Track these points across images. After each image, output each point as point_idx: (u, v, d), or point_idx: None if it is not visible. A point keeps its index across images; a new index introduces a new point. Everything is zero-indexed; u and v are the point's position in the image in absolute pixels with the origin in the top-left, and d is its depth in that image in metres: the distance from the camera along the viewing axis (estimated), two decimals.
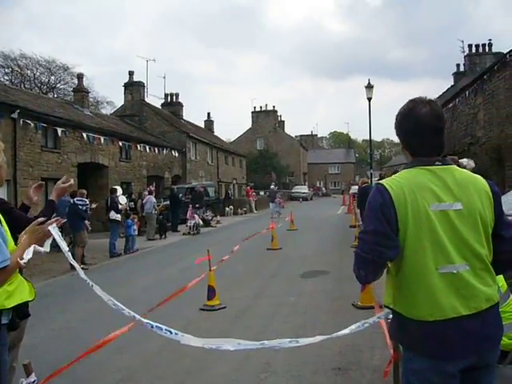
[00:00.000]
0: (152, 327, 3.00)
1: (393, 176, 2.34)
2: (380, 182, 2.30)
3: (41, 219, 2.85)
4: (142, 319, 3.04)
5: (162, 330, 3.01)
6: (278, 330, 6.41)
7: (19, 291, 2.75)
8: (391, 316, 2.40)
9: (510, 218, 7.58)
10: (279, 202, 30.44)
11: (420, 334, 2.16)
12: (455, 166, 2.34)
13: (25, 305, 2.88)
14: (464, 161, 7.45)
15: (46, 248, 2.90)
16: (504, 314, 3.36)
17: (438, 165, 2.27)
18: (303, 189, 57.32)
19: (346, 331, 3.03)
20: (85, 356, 4.01)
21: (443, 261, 2.14)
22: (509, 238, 2.33)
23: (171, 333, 2.97)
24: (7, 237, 2.74)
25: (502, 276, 3.48)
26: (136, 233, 16.14)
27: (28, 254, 2.75)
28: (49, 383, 4.31)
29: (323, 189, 71.71)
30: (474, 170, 7.36)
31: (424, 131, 2.28)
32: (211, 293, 7.75)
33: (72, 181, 3.60)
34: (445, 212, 2.17)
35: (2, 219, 2.73)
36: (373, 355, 5.35)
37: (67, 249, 3.16)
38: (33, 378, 2.60)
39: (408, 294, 2.19)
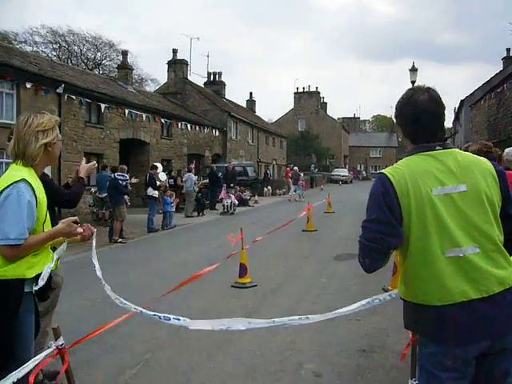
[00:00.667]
0: (160, 318, 3.08)
1: (394, 164, 2.35)
2: (382, 171, 2.31)
3: (74, 218, 2.94)
4: (149, 312, 3.13)
5: (169, 319, 3.08)
6: (306, 310, 6.46)
7: (42, 263, 2.82)
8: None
9: None
10: (302, 184, 29.73)
11: (430, 320, 2.17)
12: (457, 149, 2.33)
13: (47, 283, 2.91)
14: (508, 149, 7.26)
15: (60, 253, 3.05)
16: None
17: (438, 149, 2.27)
18: (343, 172, 56.86)
19: (355, 306, 3.07)
20: (115, 325, 4.15)
21: (449, 245, 2.14)
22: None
23: (179, 320, 3.05)
24: (40, 214, 2.81)
25: None
26: (174, 209, 16.36)
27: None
28: (79, 348, 4.51)
29: (363, 172, 70.95)
30: None
31: (423, 117, 2.29)
32: (243, 270, 7.86)
33: (95, 162, 3.68)
34: (449, 195, 2.17)
35: (40, 197, 2.79)
36: (399, 339, 5.33)
37: (98, 269, 3.30)
38: (61, 341, 2.73)
39: (415, 281, 2.21)
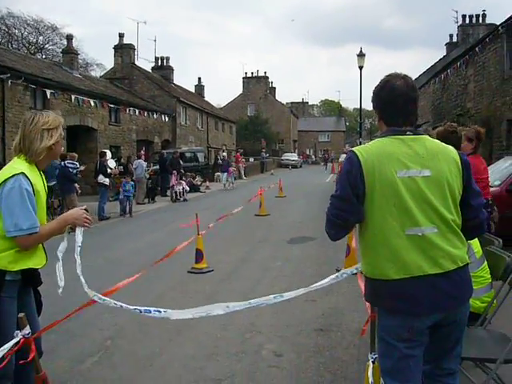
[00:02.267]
0: (140, 312, 3.11)
1: (366, 144, 2.49)
2: (352, 149, 2.45)
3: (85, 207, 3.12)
4: (129, 307, 3.15)
5: (150, 312, 3.11)
6: (264, 293, 6.51)
7: (27, 258, 2.85)
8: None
9: (496, 188, 7.75)
10: (232, 171, 27.93)
11: (388, 293, 2.33)
12: (427, 136, 2.48)
13: (33, 272, 2.98)
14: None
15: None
16: (478, 279, 3.53)
17: (409, 134, 2.41)
18: (293, 156, 57.31)
19: (325, 281, 3.21)
20: (76, 313, 4.13)
21: (410, 224, 2.29)
22: (476, 206, 2.49)
23: (160, 312, 3.08)
24: (41, 204, 2.94)
25: (477, 242, 3.63)
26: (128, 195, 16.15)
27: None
28: (41, 337, 4.47)
29: (313, 156, 71.79)
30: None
31: (399, 100, 2.43)
32: (199, 256, 7.91)
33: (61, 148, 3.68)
34: (412, 178, 2.31)
35: (37, 187, 2.89)
36: (354, 318, 5.54)
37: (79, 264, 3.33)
38: (27, 330, 2.72)
39: (374, 255, 2.37)
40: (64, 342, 5.02)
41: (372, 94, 2.59)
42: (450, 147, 2.51)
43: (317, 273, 7.68)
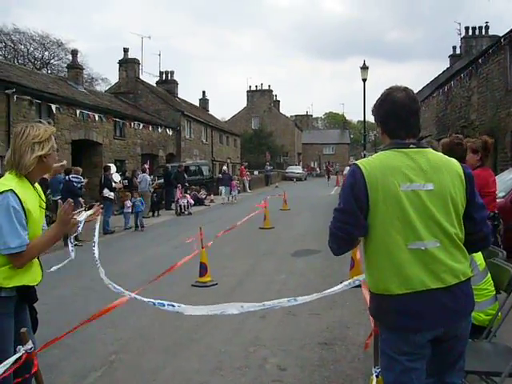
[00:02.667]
0: (154, 304, 3.12)
1: (369, 157, 2.48)
2: (355, 162, 2.44)
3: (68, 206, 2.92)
4: (144, 299, 3.16)
5: (164, 305, 3.12)
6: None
7: (22, 274, 2.83)
8: None
9: (501, 199, 7.67)
10: (234, 185, 27.22)
11: (389, 309, 2.31)
12: (430, 149, 2.46)
13: (29, 289, 2.95)
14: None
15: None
16: (481, 292, 3.51)
17: (412, 147, 2.40)
18: (297, 169, 57.32)
19: (338, 287, 3.20)
20: (79, 328, 4.13)
21: (412, 238, 2.28)
22: (479, 219, 2.47)
23: (174, 306, 3.09)
24: (33, 219, 2.86)
25: (481, 255, 3.62)
26: (130, 210, 16.15)
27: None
28: (44, 353, 4.46)
29: (317, 169, 71.79)
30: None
31: (401, 112, 2.43)
32: (203, 269, 7.89)
33: (65, 162, 3.66)
34: (416, 192, 2.30)
35: (27, 203, 2.83)
36: (358, 331, 5.51)
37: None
38: (30, 345, 2.72)
39: (377, 269, 2.35)
40: (67, 356, 5.01)
41: (373, 108, 2.60)
42: (454, 160, 2.50)
43: (321, 286, 7.63)
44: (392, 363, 2.35)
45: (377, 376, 3.09)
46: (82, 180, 13.46)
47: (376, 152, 2.68)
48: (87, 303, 6.71)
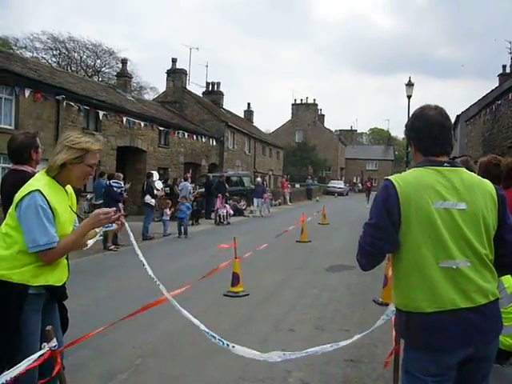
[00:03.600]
0: (214, 338, 3.17)
1: (402, 173, 2.48)
2: (388, 177, 2.42)
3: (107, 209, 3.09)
4: (201, 325, 3.20)
5: (215, 338, 3.17)
6: (298, 320, 6.55)
7: (48, 272, 2.93)
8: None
9: None
10: (266, 197, 26.27)
11: (419, 326, 2.27)
12: (464, 169, 2.44)
13: (58, 287, 3.04)
14: None
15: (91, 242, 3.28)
16: (509, 315, 3.43)
17: (446, 166, 2.39)
18: (339, 184, 57.02)
19: (379, 322, 3.17)
20: (110, 330, 4.21)
21: (444, 256, 2.25)
22: (511, 242, 2.42)
23: (223, 343, 3.15)
24: (61, 220, 2.96)
25: (509, 278, 3.53)
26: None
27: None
28: (70, 352, 4.58)
29: (359, 185, 71.13)
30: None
31: (434, 130, 2.44)
32: (235, 280, 7.94)
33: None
34: (448, 210, 2.28)
35: (54, 204, 2.92)
36: (387, 350, 5.37)
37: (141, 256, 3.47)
38: (54, 342, 2.80)
39: (407, 287, 2.31)
40: (95, 357, 5.12)
41: (405, 127, 2.61)
42: (487, 181, 2.48)
43: (352, 302, 7.59)
44: (416, 383, 2.31)
45: None
46: (123, 186, 13.74)
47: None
48: (122, 305, 6.83)
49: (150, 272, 3.38)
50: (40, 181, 2.95)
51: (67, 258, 3.12)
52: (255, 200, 25.82)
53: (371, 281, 8.65)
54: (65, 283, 3.11)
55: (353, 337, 5.89)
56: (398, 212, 2.28)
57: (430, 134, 2.44)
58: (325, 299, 7.80)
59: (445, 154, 2.44)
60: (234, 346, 3.08)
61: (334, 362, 5.12)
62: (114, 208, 3.19)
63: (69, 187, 3.17)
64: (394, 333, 3.34)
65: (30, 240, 2.82)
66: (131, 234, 3.36)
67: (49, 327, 2.82)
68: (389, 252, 2.39)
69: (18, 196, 2.89)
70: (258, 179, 28.30)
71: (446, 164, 2.40)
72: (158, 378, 4.67)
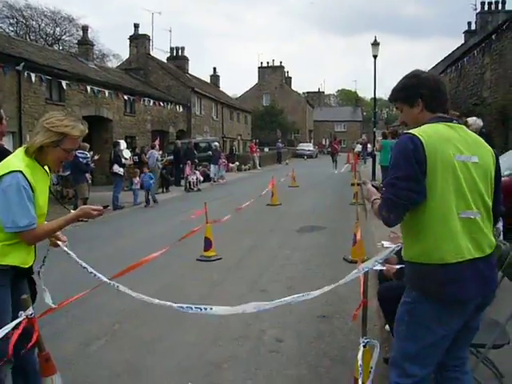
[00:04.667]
0: (183, 308, 3.20)
1: (418, 128, 2.49)
2: (407, 131, 2.47)
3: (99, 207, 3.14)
4: (174, 305, 3.23)
5: (191, 309, 3.21)
6: (271, 281, 6.70)
7: (16, 253, 2.92)
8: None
9: (506, 178, 7.64)
10: (221, 163, 24.88)
11: (441, 278, 2.34)
12: (464, 126, 2.58)
13: (23, 268, 3.03)
14: (472, 119, 7.58)
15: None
16: None
17: (455, 122, 2.51)
18: (308, 146, 57.21)
19: (350, 275, 3.25)
20: (85, 298, 4.24)
21: (464, 206, 2.35)
22: (500, 199, 2.61)
23: (201, 309, 3.19)
24: (39, 200, 2.96)
25: None
26: (138, 186, 16.31)
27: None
28: (48, 321, 4.63)
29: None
30: (481, 129, 7.52)
31: (442, 86, 2.59)
32: (207, 244, 8.03)
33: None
34: (465, 163, 2.39)
35: (37, 183, 2.92)
36: (357, 305, 5.60)
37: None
38: (30, 310, 2.85)
39: (432, 238, 2.36)
40: (73, 326, 5.19)
41: (406, 86, 2.63)
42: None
43: (323, 261, 7.76)
44: (423, 334, 2.41)
45: (364, 346, 3.20)
46: (88, 156, 13.53)
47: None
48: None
49: (80, 262, 3.43)
50: (22, 161, 2.89)
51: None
52: (212, 166, 24.34)
53: (341, 240, 8.86)
54: (31, 266, 3.10)
55: (323, 294, 6.09)
56: (426, 163, 2.33)
57: (441, 93, 2.56)
58: (296, 259, 7.96)
59: (447, 112, 2.57)
60: (211, 308, 3.15)
61: (307, 319, 5.29)
62: (103, 206, 3.20)
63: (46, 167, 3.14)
64: (362, 288, 3.47)
65: (8, 220, 2.79)
66: (63, 245, 3.36)
67: (24, 296, 2.85)
68: (419, 203, 2.36)
69: None
70: (216, 143, 26.39)
71: (454, 121, 2.52)
72: (135, 341, 4.76)
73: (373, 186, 2.81)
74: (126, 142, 21.76)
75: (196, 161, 22.55)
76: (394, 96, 2.73)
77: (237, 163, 33.40)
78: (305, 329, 5.01)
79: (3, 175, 2.80)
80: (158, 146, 20.45)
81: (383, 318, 4.62)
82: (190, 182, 20.59)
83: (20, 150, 2.99)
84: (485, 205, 2.42)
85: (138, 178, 16.19)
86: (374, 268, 4.00)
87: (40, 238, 2.97)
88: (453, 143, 2.39)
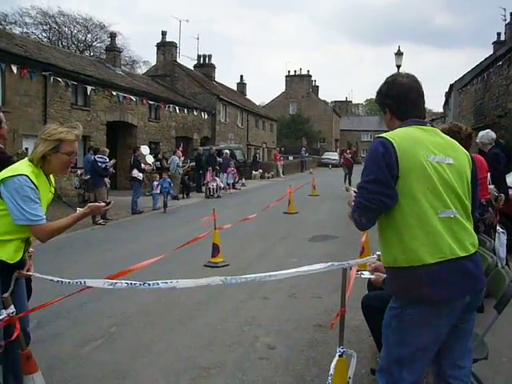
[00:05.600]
0: (149, 285, 3.27)
1: (391, 132, 2.53)
2: (380, 135, 2.49)
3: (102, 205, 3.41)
4: (121, 282, 3.30)
5: (158, 284, 3.28)
6: (273, 288, 6.71)
7: (5, 248, 3.06)
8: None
9: None
10: (229, 172, 24.07)
11: (421, 279, 2.32)
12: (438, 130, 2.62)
13: (10, 264, 3.14)
14: (482, 132, 7.53)
15: None
16: None
17: (428, 125, 2.56)
18: (333, 155, 56.86)
19: (316, 266, 3.27)
20: (86, 300, 4.34)
21: (442, 206, 2.36)
22: (477, 204, 2.64)
23: (166, 283, 3.25)
24: (42, 203, 3.15)
25: None
26: (158, 191, 16.48)
27: None
28: (48, 322, 4.77)
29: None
30: (497, 140, 7.48)
31: (411, 95, 2.58)
32: (215, 250, 8.09)
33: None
34: (440, 164, 2.41)
35: (40, 186, 3.12)
36: (355, 315, 5.57)
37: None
38: (12, 309, 2.95)
39: (408, 240, 2.35)
40: (72, 327, 5.29)
41: (378, 95, 2.71)
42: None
43: (329, 271, 7.70)
44: (412, 338, 2.38)
45: (340, 355, 3.21)
46: (107, 160, 13.74)
47: None
48: (101, 278, 6.98)
49: (51, 278, 3.51)
50: (28, 168, 3.09)
51: (28, 242, 3.24)
52: (220, 175, 23.00)
53: (352, 250, 8.82)
54: (20, 262, 3.19)
55: (324, 303, 6.10)
56: (397, 166, 2.34)
57: (407, 100, 2.57)
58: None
59: (422, 117, 2.59)
60: (177, 281, 3.21)
61: (303, 327, 5.30)
62: (107, 201, 3.46)
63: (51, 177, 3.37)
64: (341, 296, 3.48)
65: (19, 214, 2.97)
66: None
67: (5, 295, 2.96)
68: (390, 207, 2.38)
69: (2, 175, 3.02)
70: (226, 151, 25.23)
71: (428, 124, 2.56)
72: (130, 344, 4.83)
73: (355, 192, 2.84)
74: (149, 147, 22.00)
75: (217, 168, 22.65)
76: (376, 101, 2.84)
77: (260, 171, 33.51)
78: (299, 337, 5.02)
79: (12, 176, 2.99)
80: (180, 152, 20.66)
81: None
82: (209, 189, 20.72)
83: (25, 160, 3.21)
84: (463, 205, 2.43)
85: (156, 183, 16.37)
86: (363, 277, 4.03)
87: (51, 234, 3.14)
88: (425, 145, 2.41)
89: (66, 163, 3.24)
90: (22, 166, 3.10)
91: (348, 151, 27.31)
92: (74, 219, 3.23)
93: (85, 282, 3.31)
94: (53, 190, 3.36)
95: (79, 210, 3.28)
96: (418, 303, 2.35)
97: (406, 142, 2.38)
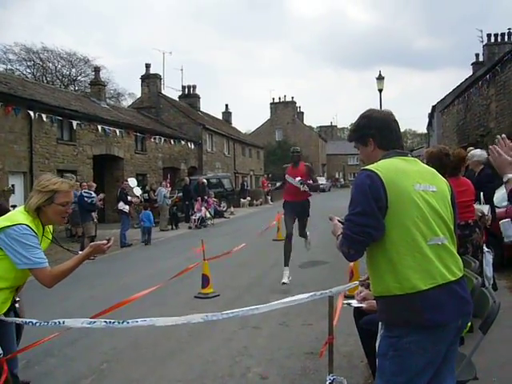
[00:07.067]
0: (128, 323, 3.28)
1: (376, 163, 2.55)
2: (364, 167, 2.53)
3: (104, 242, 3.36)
4: (102, 321, 3.31)
5: (137, 322, 3.29)
6: (264, 317, 6.67)
7: None
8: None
9: (502, 209, 7.57)
10: (212, 202, 23.05)
11: (417, 306, 2.34)
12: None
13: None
14: (474, 151, 7.64)
15: None
16: None
17: (409, 156, 2.65)
18: (321, 180, 57.14)
19: (303, 296, 3.28)
20: (77, 337, 4.29)
21: (431, 234, 2.41)
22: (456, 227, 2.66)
23: (145, 320, 3.26)
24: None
25: None
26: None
27: None
28: (38, 361, 4.71)
29: (341, 180, 71.56)
30: (488, 160, 7.59)
31: (392, 126, 2.68)
32: (205, 281, 8.07)
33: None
34: (425, 192, 2.48)
35: (39, 231, 3.18)
36: (346, 342, 5.58)
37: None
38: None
39: (401, 269, 2.37)
40: (62, 365, 5.22)
41: (356, 130, 2.76)
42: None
43: (321, 298, 7.72)
44: (410, 365, 2.38)
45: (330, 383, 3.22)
46: (93, 195, 13.65)
47: None
48: (91, 314, 6.93)
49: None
50: (26, 218, 3.13)
51: (18, 290, 3.26)
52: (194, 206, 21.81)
53: (341, 275, 8.80)
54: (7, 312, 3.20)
55: (315, 330, 6.08)
56: (386, 197, 2.38)
57: (390, 131, 2.65)
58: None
59: (402, 147, 2.68)
60: (157, 319, 3.23)
61: (295, 355, 5.28)
62: (106, 240, 3.38)
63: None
64: (328, 324, 3.49)
65: (22, 259, 3.01)
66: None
67: None
68: (377, 238, 2.41)
69: (2, 224, 3.05)
70: (204, 180, 23.57)
71: (409, 155, 2.65)
72: (121, 381, 4.79)
73: (339, 221, 2.86)
74: (137, 179, 22.01)
75: (205, 198, 22.57)
76: (350, 137, 2.85)
77: (248, 198, 33.57)
78: (291, 365, 5.00)
79: (13, 225, 3.03)
80: (166, 183, 20.66)
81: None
82: (195, 220, 20.58)
83: (22, 208, 3.23)
84: (449, 230, 2.50)
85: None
86: (353, 305, 4.05)
87: (58, 277, 3.16)
88: (410, 175, 2.48)
89: (61, 213, 3.28)
90: (20, 215, 3.13)
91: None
92: (79, 260, 3.24)
93: (63, 322, 3.28)
94: (50, 236, 3.40)
95: (83, 251, 3.33)
96: (416, 330, 2.36)
97: (392, 173, 2.44)
